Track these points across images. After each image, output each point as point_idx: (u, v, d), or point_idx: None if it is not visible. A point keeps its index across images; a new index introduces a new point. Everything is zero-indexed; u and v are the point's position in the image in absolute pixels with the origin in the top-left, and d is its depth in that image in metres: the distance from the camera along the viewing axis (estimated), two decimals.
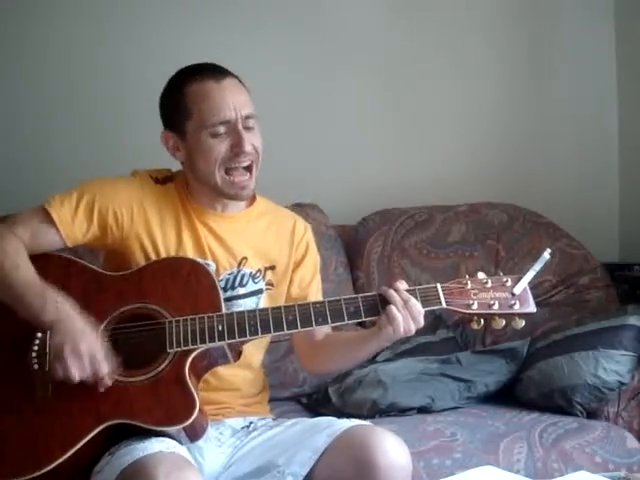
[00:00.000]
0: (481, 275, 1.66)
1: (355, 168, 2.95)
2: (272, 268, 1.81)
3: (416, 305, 1.59)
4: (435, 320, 2.57)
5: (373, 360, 2.45)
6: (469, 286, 1.64)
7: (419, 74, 3.01)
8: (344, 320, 1.60)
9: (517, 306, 1.62)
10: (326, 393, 2.31)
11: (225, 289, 1.74)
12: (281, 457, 1.58)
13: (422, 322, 1.60)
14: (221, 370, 1.72)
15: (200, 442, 1.62)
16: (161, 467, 1.40)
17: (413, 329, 1.60)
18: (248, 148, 1.70)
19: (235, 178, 1.72)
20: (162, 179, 1.79)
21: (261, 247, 1.81)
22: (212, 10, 2.84)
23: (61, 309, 1.55)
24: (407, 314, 1.58)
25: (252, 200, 1.85)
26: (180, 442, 1.54)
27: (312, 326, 1.61)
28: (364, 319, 1.62)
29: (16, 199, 2.34)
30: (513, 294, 1.63)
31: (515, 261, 2.61)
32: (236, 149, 1.69)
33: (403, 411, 2.21)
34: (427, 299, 1.62)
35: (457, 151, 3.02)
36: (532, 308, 1.63)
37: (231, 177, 1.72)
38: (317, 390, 2.41)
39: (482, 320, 1.63)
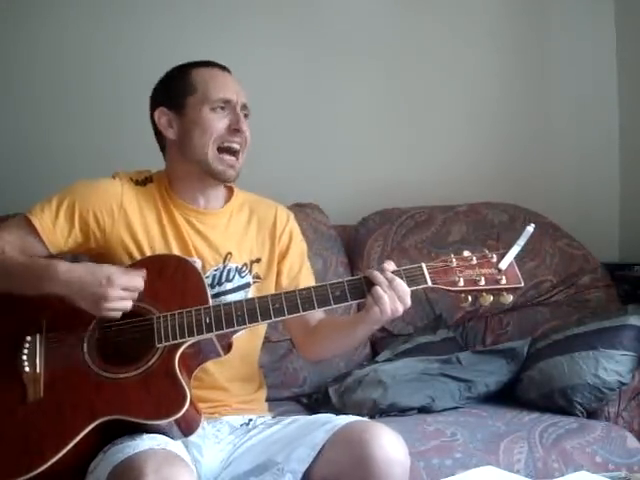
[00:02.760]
0: (466, 253, 1.66)
1: (355, 168, 2.95)
2: (258, 261, 1.84)
3: (401, 284, 1.59)
4: (435, 320, 2.57)
5: (373, 360, 2.45)
6: (454, 264, 1.64)
7: (419, 74, 3.01)
8: (330, 304, 1.61)
9: (504, 281, 1.62)
10: (326, 393, 2.31)
11: (212, 285, 1.76)
12: (280, 454, 1.59)
13: (409, 302, 1.60)
14: (214, 367, 1.74)
15: (198, 440, 1.65)
16: (151, 462, 1.40)
17: (400, 309, 1.60)
18: (244, 128, 1.78)
19: (225, 156, 1.78)
20: (142, 180, 1.82)
21: (244, 242, 1.84)
22: (210, 9, 2.83)
23: (59, 271, 1.58)
24: (393, 294, 1.58)
25: (230, 194, 1.89)
26: (173, 437, 1.55)
27: (299, 312, 1.61)
28: (350, 302, 1.63)
29: (14, 200, 2.35)
30: (499, 269, 1.63)
31: (515, 261, 2.60)
32: (234, 127, 1.77)
33: (403, 411, 2.21)
34: (413, 279, 1.62)
35: (457, 151, 3.02)
36: (520, 282, 1.64)
37: (221, 154, 1.77)
38: (317, 390, 2.41)
39: (469, 297, 1.62)
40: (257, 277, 1.83)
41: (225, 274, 1.79)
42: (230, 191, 1.89)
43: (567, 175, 3.09)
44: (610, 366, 2.17)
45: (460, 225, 2.72)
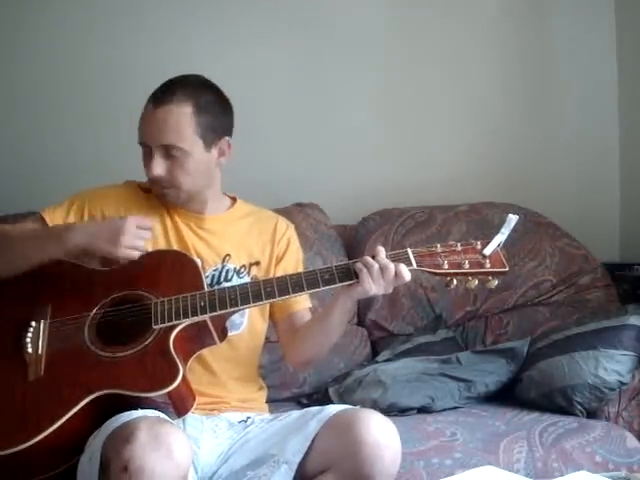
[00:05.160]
0: (451, 241, 1.72)
1: (355, 168, 2.94)
2: (257, 264, 1.89)
3: (384, 259, 1.65)
4: (435, 320, 2.57)
5: (373, 360, 2.46)
6: (439, 250, 1.69)
7: (419, 74, 3.01)
8: (319, 286, 1.67)
9: (488, 265, 1.67)
10: (326, 393, 2.31)
11: (211, 285, 1.81)
12: (275, 447, 1.62)
13: (392, 274, 1.64)
14: (215, 365, 1.79)
15: (195, 433, 1.70)
16: (144, 423, 1.45)
17: (387, 286, 1.65)
18: (152, 174, 1.76)
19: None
20: (149, 187, 1.87)
21: (244, 245, 1.89)
22: (208, 8, 2.83)
23: (76, 225, 1.72)
24: (378, 271, 1.64)
25: (232, 202, 1.94)
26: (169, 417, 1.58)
27: (289, 294, 1.67)
28: (338, 284, 1.67)
29: (12, 201, 2.35)
30: (484, 255, 1.67)
31: (515, 261, 2.60)
32: (147, 173, 1.80)
33: (403, 411, 2.21)
34: (398, 262, 1.67)
35: (457, 151, 3.02)
36: (504, 267, 1.68)
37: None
38: (317, 390, 2.42)
39: (455, 280, 1.67)
40: (255, 279, 1.85)
41: (224, 274, 1.84)
42: (233, 201, 1.95)
43: (567, 175, 3.09)
44: (610, 366, 2.17)
45: (460, 225, 2.72)
